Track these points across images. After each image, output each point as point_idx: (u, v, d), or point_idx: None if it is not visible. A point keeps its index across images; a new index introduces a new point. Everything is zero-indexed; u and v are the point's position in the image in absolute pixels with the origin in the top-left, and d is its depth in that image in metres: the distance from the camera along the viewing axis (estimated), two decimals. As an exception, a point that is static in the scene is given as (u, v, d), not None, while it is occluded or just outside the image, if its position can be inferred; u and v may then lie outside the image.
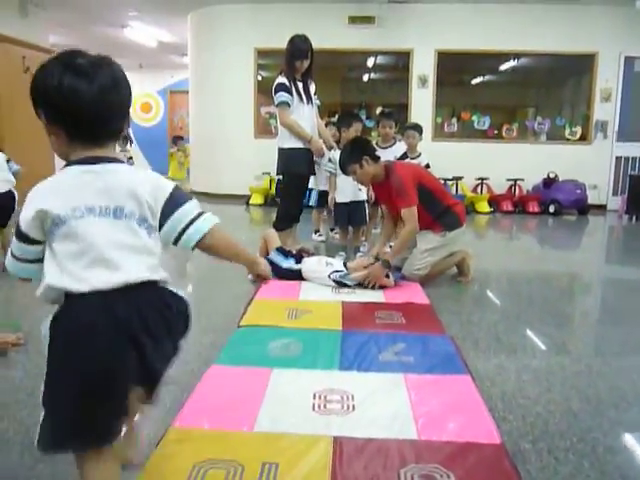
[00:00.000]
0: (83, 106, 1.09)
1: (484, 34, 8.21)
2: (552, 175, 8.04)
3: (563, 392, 2.07)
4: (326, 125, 4.62)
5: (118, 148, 7.70)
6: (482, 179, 8.34)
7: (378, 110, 8.38)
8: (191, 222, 1.20)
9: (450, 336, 2.57)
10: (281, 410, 1.79)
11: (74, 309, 1.06)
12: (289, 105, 3.83)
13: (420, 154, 5.14)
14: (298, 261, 3.56)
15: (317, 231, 5.38)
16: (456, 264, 3.85)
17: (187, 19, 9.19)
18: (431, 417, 1.76)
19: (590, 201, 8.00)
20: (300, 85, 3.89)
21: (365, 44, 8.45)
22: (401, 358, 2.26)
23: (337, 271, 3.40)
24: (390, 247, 4.73)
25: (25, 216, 1.09)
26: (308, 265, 3.52)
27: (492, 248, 5.69)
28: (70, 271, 1.06)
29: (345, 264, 3.49)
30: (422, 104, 8.42)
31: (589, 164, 8.31)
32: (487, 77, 10.07)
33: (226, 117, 8.75)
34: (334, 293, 3.28)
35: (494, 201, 8.19)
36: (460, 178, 8.13)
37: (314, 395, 1.90)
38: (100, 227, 1.09)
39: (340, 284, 3.36)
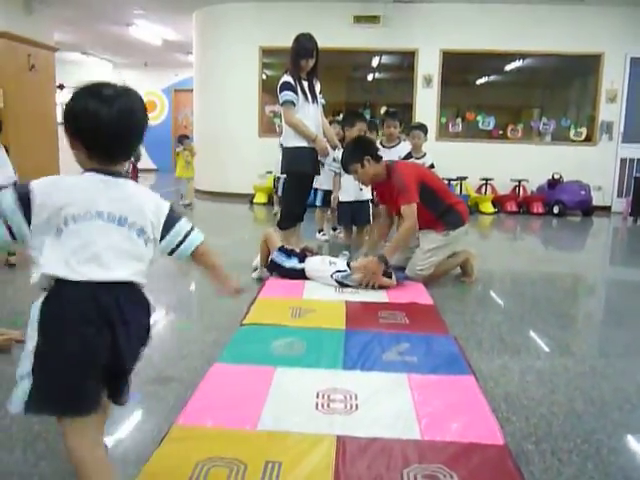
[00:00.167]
0: (102, 128, 1.26)
1: (489, 34, 8.19)
2: (557, 176, 8.02)
3: (567, 393, 2.07)
4: (330, 124, 4.61)
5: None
6: (486, 179, 8.32)
7: (382, 110, 8.37)
8: (185, 236, 1.40)
9: (454, 336, 2.57)
10: (284, 409, 1.79)
11: (65, 294, 1.21)
12: (294, 104, 3.83)
13: (425, 154, 5.14)
14: (301, 260, 3.56)
15: (321, 230, 5.38)
16: (460, 264, 3.85)
17: (192, 17, 9.19)
18: (434, 417, 1.75)
19: (595, 202, 7.97)
20: (305, 84, 3.89)
21: (370, 43, 8.44)
22: (404, 358, 2.25)
23: (340, 271, 3.39)
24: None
25: (39, 189, 1.22)
26: (311, 264, 3.52)
27: (496, 249, 5.68)
28: (69, 263, 1.21)
29: (349, 264, 3.48)
30: (427, 104, 8.41)
31: (594, 165, 8.28)
32: (492, 77, 10.04)
33: (230, 116, 8.76)
34: (338, 292, 3.28)
35: (498, 202, 8.17)
36: (464, 178, 8.11)
37: (317, 394, 1.90)
38: (103, 231, 1.25)
39: (342, 284, 3.36)
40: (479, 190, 8.38)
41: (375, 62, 9.55)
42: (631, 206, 7.53)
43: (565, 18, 8.05)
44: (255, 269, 3.71)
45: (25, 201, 1.20)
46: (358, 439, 1.61)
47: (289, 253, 3.59)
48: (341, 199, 4.59)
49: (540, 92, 9.98)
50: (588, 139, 8.46)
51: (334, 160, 4.46)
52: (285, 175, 4.16)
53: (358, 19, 8.27)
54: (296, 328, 2.59)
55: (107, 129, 1.27)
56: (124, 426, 1.77)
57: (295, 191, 4.04)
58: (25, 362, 1.23)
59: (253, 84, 8.63)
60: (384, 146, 4.85)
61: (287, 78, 3.85)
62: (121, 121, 1.28)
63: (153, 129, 13.01)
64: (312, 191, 4.59)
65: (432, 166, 5.16)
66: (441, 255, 3.63)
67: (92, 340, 1.20)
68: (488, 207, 8.01)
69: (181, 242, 1.39)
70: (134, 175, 10.52)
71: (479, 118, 8.71)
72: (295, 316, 2.79)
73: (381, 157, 3.69)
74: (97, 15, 9.57)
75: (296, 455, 1.51)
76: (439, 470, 1.46)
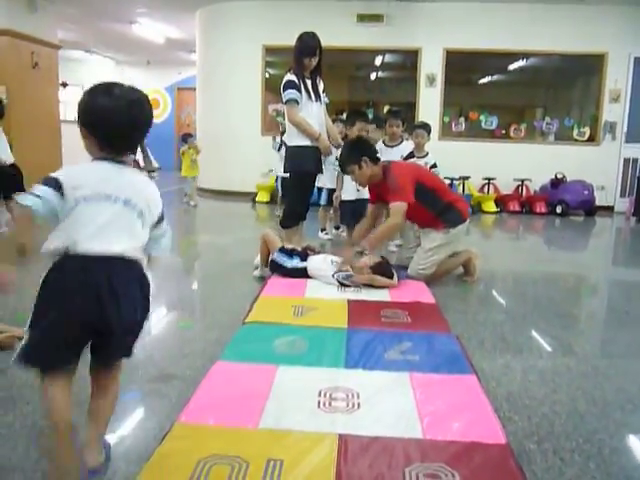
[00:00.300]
0: (110, 123, 1.43)
1: (493, 33, 8.17)
2: (560, 176, 8.01)
3: (569, 393, 2.07)
4: (333, 122, 4.60)
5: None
6: (489, 179, 8.31)
7: (386, 109, 8.37)
8: (163, 235, 1.58)
9: (456, 335, 2.56)
10: (286, 407, 1.79)
11: (67, 264, 1.37)
12: (298, 102, 3.83)
13: (427, 153, 5.13)
14: (303, 259, 3.55)
15: (323, 229, 5.38)
16: (462, 264, 3.85)
17: (195, 15, 9.19)
18: (436, 416, 1.75)
19: (598, 202, 7.97)
20: (309, 82, 3.88)
21: (373, 42, 8.44)
22: (407, 357, 2.25)
23: (342, 271, 3.39)
24: (396, 245, 4.76)
25: (61, 174, 1.40)
26: (313, 263, 3.51)
27: (498, 248, 5.67)
28: (77, 237, 1.37)
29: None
30: (430, 103, 8.40)
31: (597, 165, 8.26)
32: (495, 77, 10.03)
33: (233, 114, 8.76)
34: (340, 291, 3.27)
35: (501, 201, 8.16)
36: (467, 178, 8.10)
37: (319, 393, 1.90)
38: (110, 211, 1.41)
39: (344, 285, 3.36)
40: (482, 190, 8.37)
41: (378, 61, 9.55)
42: (634, 206, 7.52)
43: (569, 18, 8.04)
44: (256, 267, 3.71)
45: (58, 187, 1.37)
46: (360, 438, 1.61)
47: (290, 253, 3.58)
48: (343, 198, 4.59)
49: (543, 92, 9.97)
50: (591, 139, 8.44)
51: (337, 159, 4.45)
52: (287, 174, 4.16)
53: (361, 18, 8.26)
54: (298, 326, 2.59)
55: (115, 124, 1.43)
56: (126, 423, 1.77)
57: (298, 190, 4.04)
58: (29, 319, 1.40)
59: (256, 83, 8.62)
60: (387, 145, 4.84)
61: (291, 77, 3.85)
62: (128, 118, 1.44)
63: (155, 127, 12.99)
64: (316, 190, 4.59)
65: (434, 165, 5.15)
66: (442, 253, 3.63)
67: (82, 306, 1.35)
68: (491, 206, 8.01)
69: (159, 238, 1.57)
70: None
71: (482, 117, 8.70)
72: (297, 314, 2.79)
73: (379, 158, 3.71)
74: (100, 13, 9.58)
75: (298, 453, 1.51)
76: (441, 469, 1.46)
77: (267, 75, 8.70)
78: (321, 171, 4.11)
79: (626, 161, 8.35)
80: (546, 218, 7.70)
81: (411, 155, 4.83)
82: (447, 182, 7.83)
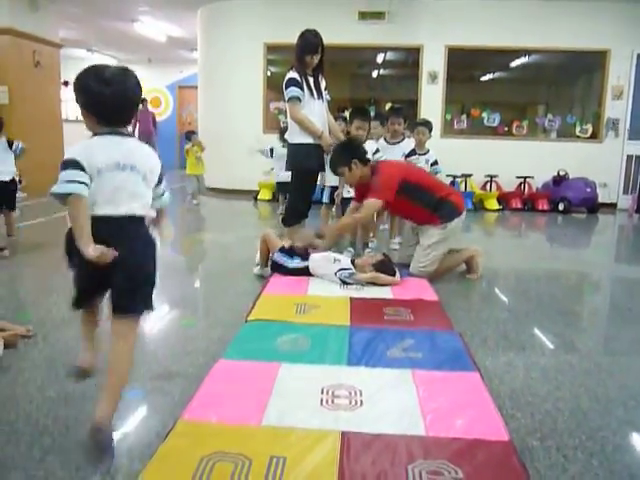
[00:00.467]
0: (106, 102, 1.62)
1: (495, 30, 8.16)
2: (562, 173, 7.99)
3: (572, 390, 2.07)
4: (335, 120, 4.59)
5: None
6: (491, 176, 8.30)
7: (387, 106, 8.36)
8: (164, 193, 1.85)
9: (459, 333, 2.56)
10: (289, 404, 1.79)
11: (92, 224, 1.56)
12: (300, 100, 3.82)
13: (428, 151, 5.13)
14: (304, 258, 3.55)
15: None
16: (465, 261, 3.84)
17: (197, 14, 9.18)
18: (439, 413, 1.75)
19: (600, 199, 7.95)
20: (311, 80, 3.88)
21: (375, 40, 8.42)
22: (409, 354, 2.25)
23: (344, 269, 3.39)
24: (398, 243, 4.76)
25: (76, 154, 1.58)
26: (315, 261, 3.51)
27: (501, 246, 5.67)
28: (96, 202, 1.59)
29: (353, 261, 3.48)
30: (432, 100, 8.38)
31: (600, 162, 8.25)
32: (497, 74, 10.02)
33: (235, 112, 8.76)
34: (342, 289, 3.27)
35: (503, 198, 8.15)
36: (469, 175, 8.10)
37: (322, 390, 1.90)
38: (120, 177, 1.62)
39: (346, 283, 3.35)
40: (484, 187, 8.36)
41: (380, 58, 9.53)
42: (637, 203, 7.51)
43: (571, 14, 8.02)
44: (257, 265, 3.71)
45: (77, 165, 1.55)
46: (363, 435, 1.61)
47: (291, 253, 3.57)
48: (345, 195, 4.58)
49: (546, 88, 9.95)
50: (594, 136, 8.42)
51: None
52: (285, 176, 4.16)
53: (363, 15, 8.25)
54: (301, 324, 2.59)
55: (108, 103, 1.63)
56: (129, 421, 1.77)
57: (300, 187, 4.04)
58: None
59: (258, 81, 8.62)
60: (388, 142, 4.84)
61: (293, 74, 3.84)
62: (119, 96, 1.64)
63: (158, 125, 13.02)
64: (318, 188, 4.58)
65: (435, 162, 5.16)
66: (441, 249, 3.63)
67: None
68: (493, 204, 8.00)
69: (161, 195, 1.83)
70: None
71: (484, 115, 8.67)
72: (300, 312, 2.79)
73: (369, 159, 3.75)
74: (102, 11, 9.58)
75: (301, 450, 1.51)
76: (444, 466, 1.46)
77: (269, 73, 8.69)
78: (323, 169, 4.11)
79: (629, 158, 8.33)
80: (548, 215, 7.69)
81: (413, 152, 4.82)
82: (449, 179, 7.85)
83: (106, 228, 1.58)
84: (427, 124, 5.20)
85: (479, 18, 8.15)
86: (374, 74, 10.40)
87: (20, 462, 1.53)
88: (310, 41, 3.85)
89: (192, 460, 1.46)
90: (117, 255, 1.56)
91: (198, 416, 1.71)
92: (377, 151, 4.45)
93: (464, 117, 8.71)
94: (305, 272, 3.49)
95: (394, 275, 3.40)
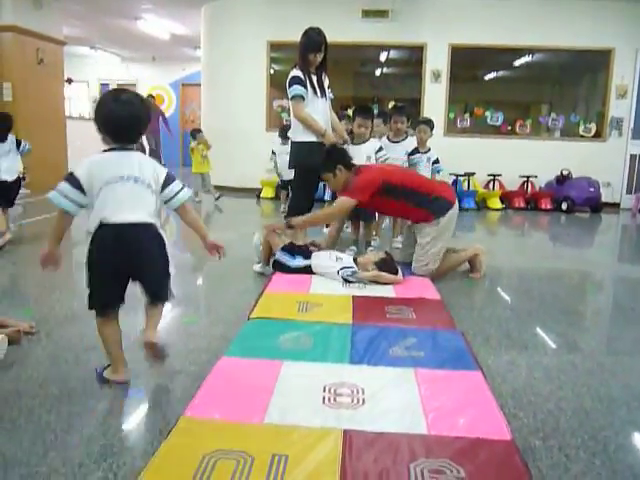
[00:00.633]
0: (115, 124, 1.92)
1: (498, 29, 8.14)
2: (565, 172, 7.97)
3: (574, 390, 2.06)
4: (340, 119, 4.59)
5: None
6: (494, 175, 8.29)
7: (390, 105, 8.34)
8: (177, 193, 2.02)
9: (461, 332, 2.56)
10: (291, 402, 1.79)
11: (102, 233, 1.86)
12: (303, 98, 3.82)
13: (429, 149, 5.13)
14: (306, 257, 3.54)
15: (328, 225, 5.37)
16: (468, 260, 3.84)
17: (201, 11, 9.18)
18: (441, 412, 1.75)
19: (603, 199, 7.93)
20: (314, 78, 3.88)
21: (378, 38, 8.42)
22: (411, 353, 2.25)
23: (346, 267, 3.38)
24: (400, 242, 4.76)
25: (82, 172, 1.86)
26: (318, 260, 3.51)
27: (504, 245, 5.66)
28: (105, 212, 1.84)
29: (355, 259, 3.48)
30: (435, 99, 8.37)
31: (603, 161, 8.23)
32: (501, 72, 9.99)
33: (238, 110, 8.76)
34: (345, 287, 3.27)
35: (506, 198, 8.14)
36: (472, 174, 8.08)
37: (324, 388, 1.90)
38: (125, 188, 1.88)
39: (348, 281, 3.35)
40: (487, 186, 8.35)
41: (383, 57, 9.52)
42: (640, 203, 7.49)
43: (575, 13, 8.00)
44: (258, 262, 3.71)
45: (76, 183, 1.83)
46: (365, 433, 1.61)
47: (292, 252, 3.57)
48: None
49: (549, 87, 9.92)
50: (597, 135, 8.40)
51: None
52: (289, 173, 4.16)
53: (367, 13, 8.24)
54: (303, 322, 2.59)
55: (118, 125, 1.92)
56: (131, 418, 1.78)
57: (303, 185, 4.04)
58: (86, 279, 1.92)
59: (261, 79, 8.62)
60: (391, 141, 4.83)
61: (296, 72, 3.84)
62: (129, 120, 1.93)
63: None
64: (322, 186, 4.58)
65: (437, 161, 5.16)
66: (439, 244, 3.63)
67: (114, 260, 1.86)
68: (496, 203, 7.99)
69: (174, 195, 2.00)
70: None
71: (487, 113, 8.66)
72: (302, 310, 2.79)
73: (353, 165, 3.76)
74: (105, 9, 9.59)
75: (302, 449, 1.51)
76: (446, 465, 1.46)
77: (272, 71, 8.69)
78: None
79: (632, 157, 8.31)
80: (551, 215, 7.67)
81: (415, 151, 4.82)
82: (452, 178, 7.84)
83: (119, 234, 1.84)
84: (428, 122, 5.20)
85: (482, 17, 8.13)
86: (377, 72, 10.39)
87: (23, 458, 1.53)
88: (313, 39, 3.84)
89: (194, 458, 1.46)
90: (127, 260, 1.86)
91: (200, 414, 1.71)
92: (380, 149, 4.44)
93: (467, 116, 8.69)
94: (307, 271, 3.49)
95: (396, 273, 3.39)
